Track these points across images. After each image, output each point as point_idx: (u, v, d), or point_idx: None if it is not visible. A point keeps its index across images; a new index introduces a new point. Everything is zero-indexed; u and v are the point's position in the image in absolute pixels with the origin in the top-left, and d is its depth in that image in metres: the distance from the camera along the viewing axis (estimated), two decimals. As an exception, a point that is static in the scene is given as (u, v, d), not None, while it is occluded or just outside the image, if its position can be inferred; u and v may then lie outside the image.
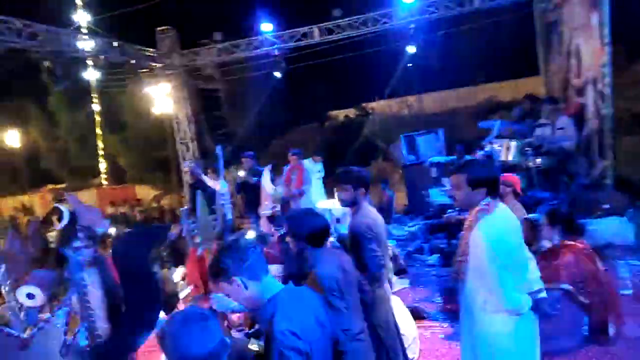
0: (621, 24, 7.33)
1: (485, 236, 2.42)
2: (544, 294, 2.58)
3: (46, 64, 8.79)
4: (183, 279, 7.72)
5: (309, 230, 2.67)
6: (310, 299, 2.03)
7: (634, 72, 11.67)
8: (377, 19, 10.67)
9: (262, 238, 6.80)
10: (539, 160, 6.86)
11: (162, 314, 5.23)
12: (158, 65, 12.22)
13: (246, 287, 1.88)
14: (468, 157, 7.23)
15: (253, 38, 11.64)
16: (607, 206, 6.32)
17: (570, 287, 3.51)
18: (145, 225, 14.38)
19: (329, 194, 8.12)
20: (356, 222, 3.29)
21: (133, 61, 11.28)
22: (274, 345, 1.77)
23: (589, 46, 7.83)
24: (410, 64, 18.30)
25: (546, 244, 3.88)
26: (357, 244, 3.25)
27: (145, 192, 19.33)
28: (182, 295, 4.60)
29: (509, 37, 14.06)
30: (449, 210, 5.81)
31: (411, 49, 12.87)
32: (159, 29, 12.21)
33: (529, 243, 3.97)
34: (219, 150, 7.14)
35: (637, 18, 7.78)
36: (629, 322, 3.94)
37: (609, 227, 5.66)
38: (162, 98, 13.27)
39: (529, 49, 11.33)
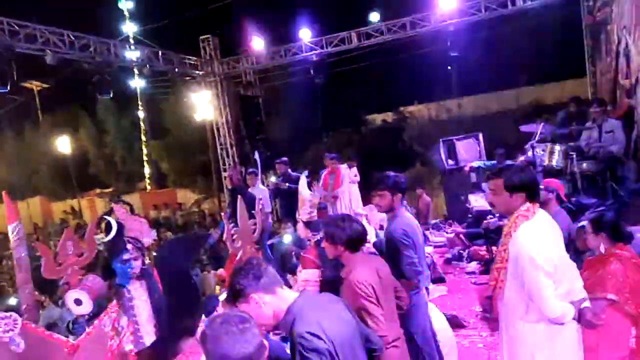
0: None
1: (524, 243, 2.38)
2: (587, 303, 2.50)
3: (95, 74, 9.16)
4: (221, 281, 7.88)
5: (346, 235, 2.70)
6: (329, 302, 2.08)
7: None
8: (416, 23, 10.60)
9: (298, 242, 6.88)
10: (584, 165, 6.62)
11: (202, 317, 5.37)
12: (200, 73, 12.58)
13: (264, 303, 1.92)
14: (509, 162, 7.06)
15: (292, 45, 11.81)
16: (658, 213, 6.02)
17: (616, 297, 3.36)
18: (185, 232, 14.80)
19: (365, 200, 8.12)
20: (393, 228, 3.29)
21: (177, 69, 11.64)
22: (296, 350, 1.82)
23: (638, 45, 7.50)
24: (450, 67, 18.05)
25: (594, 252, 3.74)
26: (393, 250, 3.25)
27: (186, 197, 19.90)
28: (221, 298, 4.69)
29: (553, 38, 13.65)
30: (489, 217, 5.70)
31: (451, 52, 12.70)
32: (201, 37, 12.58)
33: (583, 251, 3.86)
34: (257, 155, 7.29)
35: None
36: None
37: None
38: (203, 105, 13.65)
39: (574, 50, 11.00)
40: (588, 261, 3.68)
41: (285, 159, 8.31)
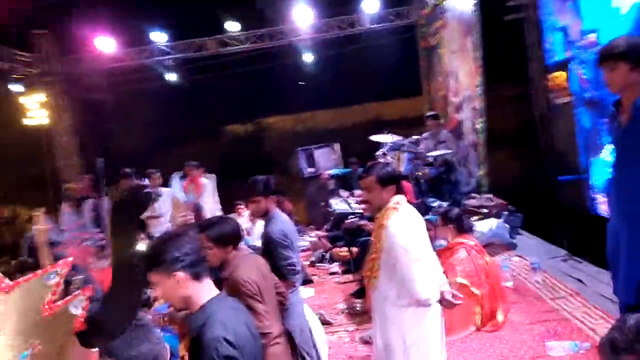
0: (491, 49, 8.27)
1: (397, 231, 2.58)
2: (447, 287, 2.77)
3: None
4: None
5: (232, 232, 2.65)
6: (241, 309, 2.00)
7: (501, 93, 13.18)
8: (274, 35, 10.86)
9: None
10: (426, 171, 7.45)
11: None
12: (34, 71, 11.11)
13: (185, 287, 1.78)
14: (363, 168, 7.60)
15: (144, 47, 11.14)
16: (485, 210, 7.07)
17: (465, 281, 3.86)
18: (15, 255, 12.83)
19: (226, 210, 8.03)
20: (271, 229, 3.29)
21: (6, 66, 10.15)
22: (205, 352, 1.69)
23: (465, 67, 8.75)
24: (303, 82, 18.80)
25: (442, 243, 4.23)
26: (272, 250, 3.25)
27: (14, 213, 17.27)
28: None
29: (394, 59, 15.10)
30: (350, 216, 6.07)
31: (305, 67, 13.27)
32: (35, 32, 11.12)
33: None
34: (99, 164, 6.52)
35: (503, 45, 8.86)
36: (512, 310, 4.44)
37: (488, 229, 6.33)
38: (36, 108, 12.03)
39: (411, 70, 12.32)
40: (438, 251, 4.13)
41: (128, 170, 7.34)
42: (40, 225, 2.16)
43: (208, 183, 7.72)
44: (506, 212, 6.92)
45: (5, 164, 16.57)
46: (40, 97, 11.77)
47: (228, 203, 8.51)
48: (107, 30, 10.86)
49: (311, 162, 9.85)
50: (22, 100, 12.15)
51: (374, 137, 8.05)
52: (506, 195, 7.72)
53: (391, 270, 2.64)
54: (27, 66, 10.92)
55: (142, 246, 5.60)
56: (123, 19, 11.44)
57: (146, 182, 7.94)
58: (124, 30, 11.21)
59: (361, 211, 6.39)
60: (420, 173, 7.37)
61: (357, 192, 7.65)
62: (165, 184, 7.13)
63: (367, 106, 18.71)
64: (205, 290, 1.84)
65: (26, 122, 12.99)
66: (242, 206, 8.13)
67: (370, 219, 5.21)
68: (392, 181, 2.71)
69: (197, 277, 1.81)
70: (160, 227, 6.60)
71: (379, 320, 2.82)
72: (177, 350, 2.53)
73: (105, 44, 10.83)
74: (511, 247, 6.23)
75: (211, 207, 7.59)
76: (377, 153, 7.76)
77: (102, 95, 12.56)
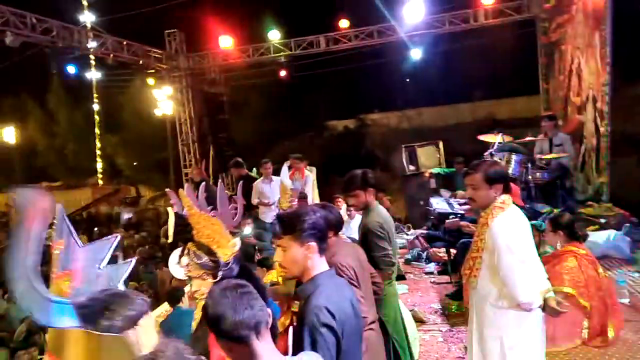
0: (620, 46, 7.55)
1: (501, 231, 2.52)
2: (552, 294, 2.65)
3: (55, 60, 8.81)
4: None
5: (335, 219, 2.76)
6: (347, 287, 2.09)
7: (629, 94, 11.93)
8: (383, 32, 10.89)
9: (258, 236, 6.94)
10: (538, 175, 7.01)
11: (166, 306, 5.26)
12: (164, 66, 12.35)
13: (310, 256, 1.91)
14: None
15: (260, 45, 11.82)
16: (603, 220, 6.49)
17: (573, 291, 3.62)
18: (138, 230, 14.37)
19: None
20: (369, 221, 3.34)
21: (141, 61, 11.38)
22: (307, 320, 1.79)
23: (590, 65, 8.06)
24: (409, 79, 18.58)
25: (549, 250, 4.00)
26: (369, 242, 3.30)
27: (141, 193, 19.37)
28: (186, 289, 4.69)
29: (510, 56, 14.34)
30: (451, 216, 5.94)
31: (413, 63, 13.11)
32: (167, 31, 12.37)
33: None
34: (211, 152, 7.12)
35: (635, 41, 8.03)
36: (627, 328, 4.07)
37: (605, 240, 5.81)
38: (165, 100, 13.38)
39: (528, 68, 11.60)
40: (545, 257, 3.92)
41: (239, 160, 7.88)
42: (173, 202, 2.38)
43: (310, 175, 8.02)
44: (628, 225, 6.28)
45: (137, 149, 18.70)
46: (168, 90, 13.06)
47: (327, 197, 8.75)
48: (228, 28, 11.72)
49: (413, 159, 9.72)
50: (153, 92, 13.59)
51: (483, 137, 7.76)
52: (629, 206, 7.01)
53: (493, 270, 2.58)
54: (158, 62, 12.14)
55: (247, 230, 6.00)
56: (242, 18, 12.27)
57: (254, 172, 8.51)
58: (242, 29, 12.02)
59: (463, 212, 6.22)
60: (530, 177, 6.96)
61: (460, 192, 7.44)
62: (275, 173, 7.57)
63: (478, 104, 17.97)
64: (321, 265, 1.97)
65: (156, 112, 14.53)
66: (340, 200, 8.32)
67: (473, 221, 5.06)
68: (500, 180, 2.63)
69: (321, 251, 1.95)
70: (270, 212, 7.06)
71: (476, 320, 2.77)
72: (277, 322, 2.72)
73: (226, 42, 11.72)
74: (631, 262, 5.65)
75: (313, 197, 7.89)
76: (485, 154, 7.48)
77: (219, 89, 13.58)
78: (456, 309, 5.12)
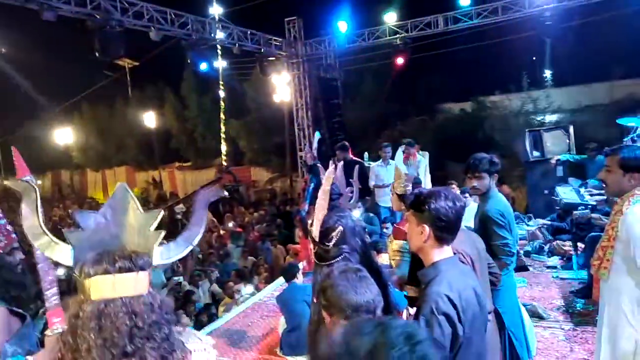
0: None
1: (637, 221, 2.32)
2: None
3: (190, 51, 9.71)
4: (294, 254, 8.17)
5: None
6: (471, 276, 2.04)
7: None
8: (509, 7, 10.20)
9: (367, 219, 7.03)
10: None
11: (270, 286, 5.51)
12: (284, 54, 12.89)
13: (426, 238, 1.88)
14: (601, 158, 6.69)
15: (375, 28, 11.78)
16: None
17: None
18: (256, 208, 15.28)
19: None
20: (488, 208, 3.23)
21: (263, 50, 12.02)
22: (426, 305, 1.76)
23: None
24: (536, 57, 17.12)
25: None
26: (487, 229, 3.20)
27: (260, 174, 20.59)
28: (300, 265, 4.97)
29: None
30: (580, 208, 5.48)
31: (540, 41, 12.08)
32: (287, 19, 12.87)
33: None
34: (318, 135, 7.37)
35: None
36: None
37: None
38: (283, 86, 13.99)
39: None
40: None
41: (345, 144, 8.02)
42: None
43: (422, 160, 7.90)
44: None
45: (257, 133, 19.88)
46: (286, 76, 13.63)
47: (441, 182, 8.53)
48: (344, 13, 11.86)
49: (539, 145, 9.02)
50: (272, 79, 14.28)
51: (622, 120, 6.99)
52: None
53: (627, 262, 2.39)
54: (279, 50, 12.71)
55: (357, 214, 6.11)
56: (358, 2, 12.30)
57: (366, 156, 8.61)
58: (358, 12, 12.07)
59: (594, 203, 5.70)
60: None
61: (592, 182, 6.80)
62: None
63: (616, 84, 15.99)
64: (442, 252, 1.92)
65: (274, 98, 15.28)
66: (454, 185, 8.08)
67: (606, 214, 4.62)
68: (637, 169, 2.41)
69: (439, 240, 1.89)
70: (385, 196, 7.17)
71: (607, 316, 2.58)
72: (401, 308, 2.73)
73: (342, 27, 11.88)
74: None
75: (425, 183, 7.77)
76: (624, 139, 6.73)
77: (333, 74, 13.83)
78: (582, 307, 4.76)
